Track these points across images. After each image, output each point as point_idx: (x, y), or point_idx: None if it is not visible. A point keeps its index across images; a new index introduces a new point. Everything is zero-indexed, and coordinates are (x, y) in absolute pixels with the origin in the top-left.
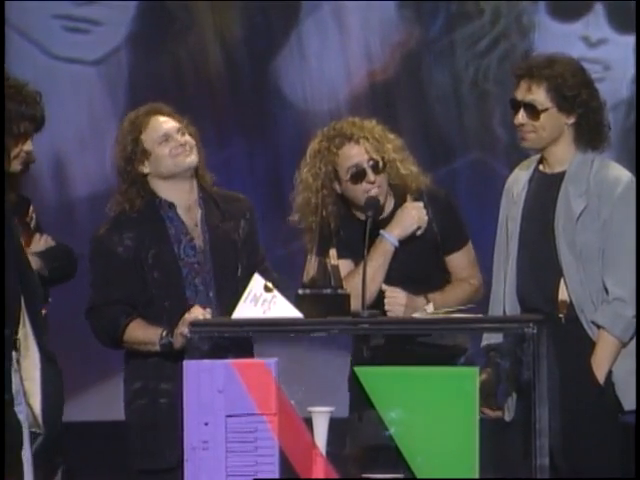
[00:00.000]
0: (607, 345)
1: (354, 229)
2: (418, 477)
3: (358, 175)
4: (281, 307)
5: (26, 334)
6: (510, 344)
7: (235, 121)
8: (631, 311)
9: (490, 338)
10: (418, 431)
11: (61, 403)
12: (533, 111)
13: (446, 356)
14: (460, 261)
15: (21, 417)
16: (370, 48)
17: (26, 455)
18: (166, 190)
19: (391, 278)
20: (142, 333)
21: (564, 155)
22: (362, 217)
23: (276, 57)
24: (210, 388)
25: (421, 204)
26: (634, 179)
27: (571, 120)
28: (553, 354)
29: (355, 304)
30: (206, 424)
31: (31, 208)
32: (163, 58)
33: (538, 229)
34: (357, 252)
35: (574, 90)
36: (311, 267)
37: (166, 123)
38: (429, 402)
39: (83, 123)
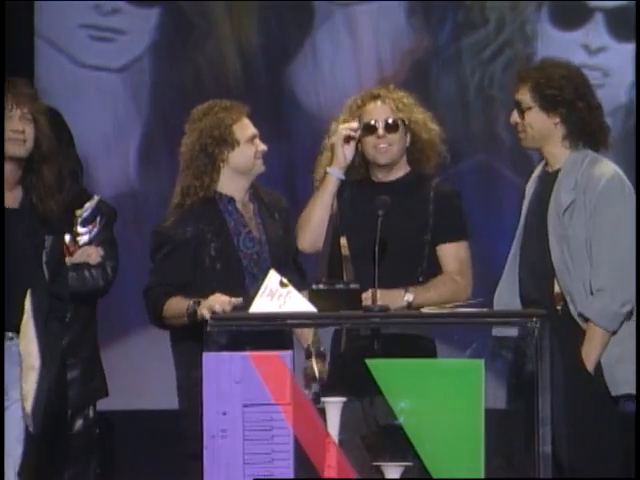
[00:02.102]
0: (596, 336)
1: (360, 192)
2: (426, 465)
3: (370, 129)
4: (296, 302)
5: (28, 342)
6: (514, 337)
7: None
8: (614, 301)
9: (498, 330)
10: (426, 420)
11: (43, 405)
12: (519, 110)
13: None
14: (449, 253)
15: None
16: (381, 55)
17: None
18: (228, 184)
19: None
20: (176, 306)
21: (558, 154)
22: (375, 179)
23: (291, 64)
24: (228, 379)
25: None
26: (620, 172)
27: (556, 119)
28: (557, 347)
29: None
30: (224, 414)
31: (97, 219)
32: (183, 65)
33: (536, 225)
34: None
35: (555, 90)
36: (324, 261)
37: (252, 127)
38: (437, 393)
39: (108, 127)
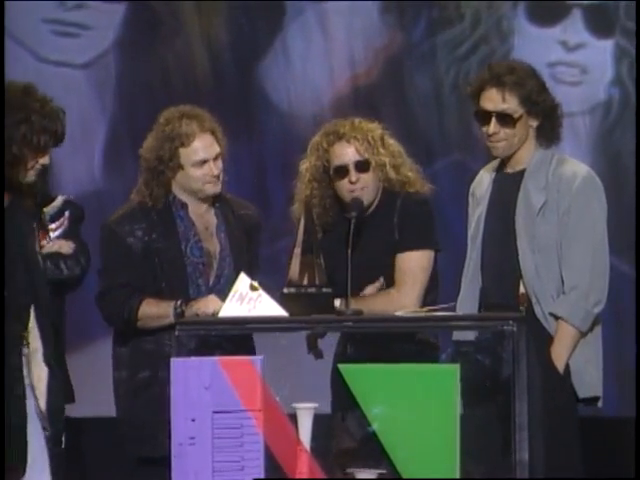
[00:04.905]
0: (566, 335)
1: (335, 227)
2: (400, 471)
3: (341, 172)
4: (266, 305)
5: (36, 348)
6: (489, 341)
7: (220, 124)
8: (587, 300)
9: (460, 334)
10: (400, 427)
11: (61, 406)
12: (509, 120)
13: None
14: (398, 266)
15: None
16: (353, 52)
17: (42, 448)
18: (183, 194)
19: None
20: (156, 308)
21: (525, 155)
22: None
23: (261, 61)
24: (197, 385)
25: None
26: (592, 172)
27: (535, 123)
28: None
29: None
30: (193, 420)
31: (66, 214)
32: (150, 62)
33: (500, 227)
34: (328, 251)
35: (540, 95)
36: (296, 264)
37: (208, 148)
38: (411, 398)
39: (72, 124)
